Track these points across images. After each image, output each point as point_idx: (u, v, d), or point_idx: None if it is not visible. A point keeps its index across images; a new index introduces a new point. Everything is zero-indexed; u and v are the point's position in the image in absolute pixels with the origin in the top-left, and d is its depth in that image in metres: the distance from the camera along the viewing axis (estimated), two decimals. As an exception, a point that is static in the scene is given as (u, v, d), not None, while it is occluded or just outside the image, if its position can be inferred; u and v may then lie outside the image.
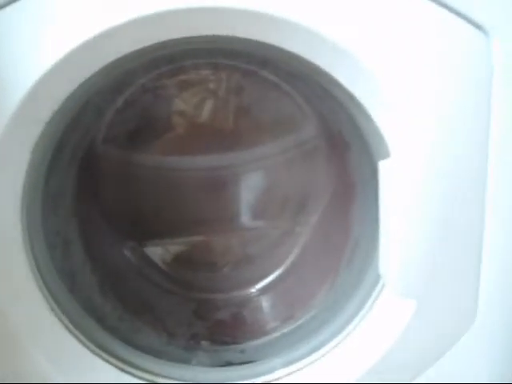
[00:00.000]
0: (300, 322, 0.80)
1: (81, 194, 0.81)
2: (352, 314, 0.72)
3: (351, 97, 0.61)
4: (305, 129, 0.87)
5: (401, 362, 0.69)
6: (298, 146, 0.89)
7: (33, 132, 0.60)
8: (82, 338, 0.69)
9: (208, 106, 0.87)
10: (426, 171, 0.61)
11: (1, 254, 0.62)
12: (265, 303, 0.92)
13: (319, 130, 0.86)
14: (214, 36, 0.58)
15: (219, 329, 0.86)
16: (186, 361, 0.77)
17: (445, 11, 0.57)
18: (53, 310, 0.67)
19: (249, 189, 0.94)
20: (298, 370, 0.73)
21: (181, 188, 0.91)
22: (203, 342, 0.82)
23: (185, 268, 0.95)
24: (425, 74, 0.58)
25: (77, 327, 0.69)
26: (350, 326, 0.71)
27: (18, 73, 0.56)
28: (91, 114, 0.73)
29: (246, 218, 0.95)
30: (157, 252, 0.95)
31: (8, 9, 0.56)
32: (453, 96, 0.59)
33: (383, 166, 0.63)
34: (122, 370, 0.71)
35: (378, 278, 0.69)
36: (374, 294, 0.70)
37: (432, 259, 0.64)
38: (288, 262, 0.93)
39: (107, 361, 0.71)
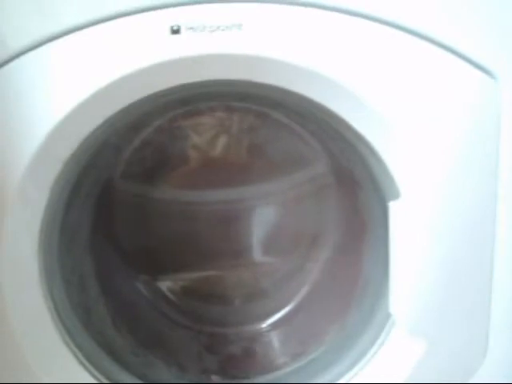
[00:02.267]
0: (310, 358, 0.80)
1: (96, 230, 0.83)
2: (362, 351, 0.71)
3: (361, 139, 0.62)
4: (316, 166, 0.88)
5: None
6: (310, 182, 0.90)
7: (52, 171, 0.61)
8: (94, 371, 0.70)
9: (221, 144, 0.88)
10: (436, 212, 0.62)
11: (18, 288, 0.63)
12: (275, 338, 0.91)
13: (330, 168, 0.87)
14: (227, 80, 0.60)
15: (230, 363, 0.86)
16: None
17: (454, 57, 0.59)
18: (66, 343, 0.68)
19: (261, 223, 0.94)
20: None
21: (194, 222, 0.92)
22: (214, 377, 0.82)
23: (197, 302, 0.95)
24: (434, 117, 0.59)
25: (89, 361, 0.70)
26: (360, 364, 0.71)
27: (38, 116, 0.58)
28: (109, 153, 0.75)
29: (257, 253, 0.96)
30: (169, 286, 0.95)
31: (29, 54, 0.58)
32: (462, 138, 0.60)
33: (393, 207, 0.64)
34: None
35: (388, 316, 0.69)
36: (384, 333, 0.70)
37: (442, 298, 0.65)
38: (299, 297, 0.93)
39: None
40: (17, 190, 0.59)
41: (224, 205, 0.92)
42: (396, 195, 0.63)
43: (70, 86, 0.58)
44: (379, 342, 0.70)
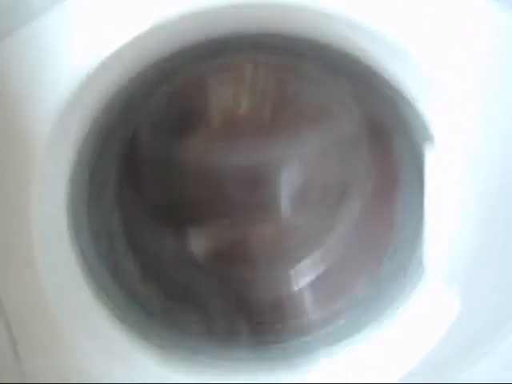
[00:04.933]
0: (341, 315, 0.79)
1: (123, 186, 0.83)
2: (395, 305, 0.71)
3: (395, 87, 0.61)
4: (346, 119, 0.86)
5: (445, 358, 0.68)
6: (339, 136, 0.88)
7: (79, 129, 0.61)
8: (124, 324, 0.70)
9: (248, 98, 0.87)
10: (472, 159, 0.60)
11: (47, 243, 0.64)
12: (305, 296, 0.91)
13: (361, 121, 0.85)
14: (257, 32, 0.59)
15: (259, 325, 0.85)
16: (225, 355, 0.77)
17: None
18: (97, 296, 0.68)
19: (288, 180, 0.93)
20: (339, 363, 0.72)
21: (221, 178, 0.91)
22: (243, 337, 0.82)
23: (223, 262, 0.95)
24: (471, 62, 0.57)
25: (120, 313, 0.70)
26: (394, 318, 0.70)
27: (66, 70, 0.57)
28: (135, 109, 0.74)
29: (285, 210, 0.94)
30: (196, 242, 0.95)
31: (55, 9, 0.56)
32: (499, 84, 0.58)
33: (429, 155, 0.63)
34: (163, 358, 0.72)
35: (421, 268, 0.68)
36: (419, 285, 0.69)
37: (478, 248, 0.63)
38: (329, 255, 0.92)
39: (148, 347, 0.71)
40: (45, 145, 0.59)
41: (251, 161, 0.90)
42: (431, 143, 0.62)
43: (97, 39, 0.56)
44: (412, 294, 0.69)
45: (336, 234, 0.92)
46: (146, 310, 0.75)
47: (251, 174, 0.91)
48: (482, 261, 0.64)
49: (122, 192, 0.81)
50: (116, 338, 0.70)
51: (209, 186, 0.91)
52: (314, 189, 0.94)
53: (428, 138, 0.62)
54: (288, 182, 0.93)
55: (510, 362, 0.71)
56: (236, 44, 0.65)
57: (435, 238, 0.64)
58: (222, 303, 0.88)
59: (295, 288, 0.92)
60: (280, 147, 0.90)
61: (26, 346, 0.68)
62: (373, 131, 0.84)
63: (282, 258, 0.95)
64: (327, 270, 0.91)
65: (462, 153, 0.60)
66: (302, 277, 0.92)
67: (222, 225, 0.95)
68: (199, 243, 0.95)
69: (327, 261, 0.92)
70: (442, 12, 0.56)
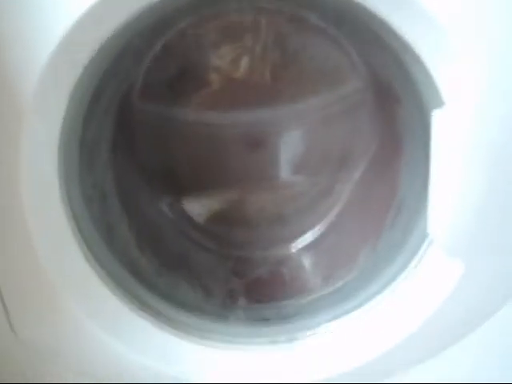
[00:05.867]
0: (341, 281, 0.79)
1: (117, 147, 0.80)
2: (395, 273, 0.70)
3: (404, 42, 0.57)
4: (351, 81, 0.83)
5: (450, 320, 0.67)
6: (343, 99, 0.85)
7: (71, 76, 0.58)
8: (117, 290, 0.69)
9: (249, 57, 0.84)
10: (482, 121, 0.57)
11: (39, 205, 0.62)
12: (304, 262, 0.90)
13: (367, 82, 0.82)
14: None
15: (257, 286, 0.85)
16: (223, 317, 0.76)
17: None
18: (89, 261, 0.67)
19: (289, 144, 0.91)
20: (338, 327, 0.71)
21: (218, 144, 0.89)
22: (240, 300, 0.81)
23: (222, 225, 0.94)
24: (484, 20, 0.54)
25: (112, 279, 0.69)
26: (393, 286, 0.69)
27: (55, 15, 0.54)
28: (129, 59, 0.71)
29: (286, 174, 0.93)
30: (194, 207, 0.93)
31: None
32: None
33: (437, 116, 0.60)
34: (158, 324, 0.71)
35: (424, 236, 0.67)
36: (421, 253, 0.68)
37: (484, 215, 0.61)
38: (328, 219, 0.90)
39: (143, 314, 0.70)
40: (33, 97, 0.56)
41: (251, 125, 0.89)
42: (439, 105, 0.59)
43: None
44: (415, 262, 0.68)
45: (337, 200, 0.90)
46: (140, 276, 0.74)
47: (248, 140, 0.89)
48: (485, 229, 0.62)
49: (115, 154, 0.79)
50: (110, 304, 0.68)
51: (206, 151, 0.89)
52: (315, 154, 0.92)
53: (436, 96, 0.59)
54: (288, 147, 0.91)
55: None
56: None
57: (439, 206, 0.62)
58: (218, 269, 0.87)
59: (294, 252, 0.91)
60: (280, 107, 0.87)
61: (19, 315, 0.67)
62: (379, 92, 0.81)
63: (282, 222, 0.94)
64: (328, 237, 0.90)
65: (471, 117, 0.57)
66: (302, 241, 0.92)
67: (220, 189, 0.93)
68: (196, 207, 0.93)
69: (328, 226, 0.91)
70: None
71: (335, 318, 0.72)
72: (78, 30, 0.54)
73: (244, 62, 0.84)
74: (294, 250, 0.91)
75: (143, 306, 0.71)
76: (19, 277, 0.64)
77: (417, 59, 0.58)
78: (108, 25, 0.56)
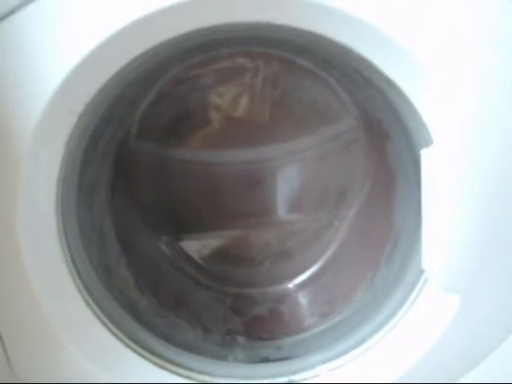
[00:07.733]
0: (339, 318, 0.78)
1: (115, 188, 0.81)
2: (393, 310, 0.69)
3: (391, 83, 0.59)
4: (343, 119, 0.85)
5: (444, 360, 0.66)
6: (336, 137, 0.86)
7: (67, 124, 0.59)
8: (117, 332, 0.69)
9: (244, 98, 0.85)
10: (470, 161, 0.58)
11: (37, 248, 0.62)
12: (303, 299, 0.90)
13: (358, 121, 0.83)
14: (249, 23, 0.57)
15: (256, 325, 0.84)
16: (222, 357, 0.75)
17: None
18: (88, 304, 0.67)
19: (286, 182, 0.92)
20: (337, 367, 0.70)
21: (217, 182, 0.90)
22: (239, 338, 0.81)
23: (221, 262, 0.94)
24: (469, 58, 0.55)
25: (112, 322, 0.69)
26: (392, 323, 0.69)
27: (50, 65, 0.55)
28: (124, 106, 0.73)
29: (283, 212, 0.93)
30: (193, 246, 0.94)
31: (36, 3, 0.55)
32: (497, 82, 0.56)
33: (425, 155, 0.61)
34: (158, 366, 0.70)
35: (419, 273, 0.67)
36: (416, 290, 0.67)
37: (477, 253, 0.61)
38: (326, 256, 0.91)
39: (143, 356, 0.70)
40: (29, 147, 0.57)
41: (249, 164, 0.90)
42: (428, 143, 0.60)
43: (80, 33, 0.55)
44: (411, 299, 0.68)
45: (335, 237, 0.91)
46: (140, 317, 0.74)
47: (246, 178, 0.90)
48: (480, 263, 0.62)
49: (113, 196, 0.80)
50: (108, 343, 0.68)
51: (204, 190, 0.90)
52: (312, 193, 0.93)
53: (425, 133, 0.60)
54: (286, 185, 0.92)
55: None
56: (226, 37, 0.63)
57: (433, 243, 0.63)
58: (217, 308, 0.87)
59: (293, 289, 0.91)
60: (277, 147, 0.88)
61: (17, 354, 0.67)
62: (371, 130, 0.82)
63: (281, 259, 0.94)
64: (326, 273, 0.90)
65: (460, 156, 0.58)
66: (300, 278, 0.91)
67: (218, 227, 0.93)
68: (195, 246, 0.94)
69: (325, 263, 0.91)
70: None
71: (335, 356, 0.71)
72: (70, 80, 0.55)
73: (240, 103, 0.86)
74: (292, 287, 0.91)
75: (143, 348, 0.70)
76: (18, 317, 0.64)
77: (405, 99, 0.59)
78: (101, 75, 0.57)
